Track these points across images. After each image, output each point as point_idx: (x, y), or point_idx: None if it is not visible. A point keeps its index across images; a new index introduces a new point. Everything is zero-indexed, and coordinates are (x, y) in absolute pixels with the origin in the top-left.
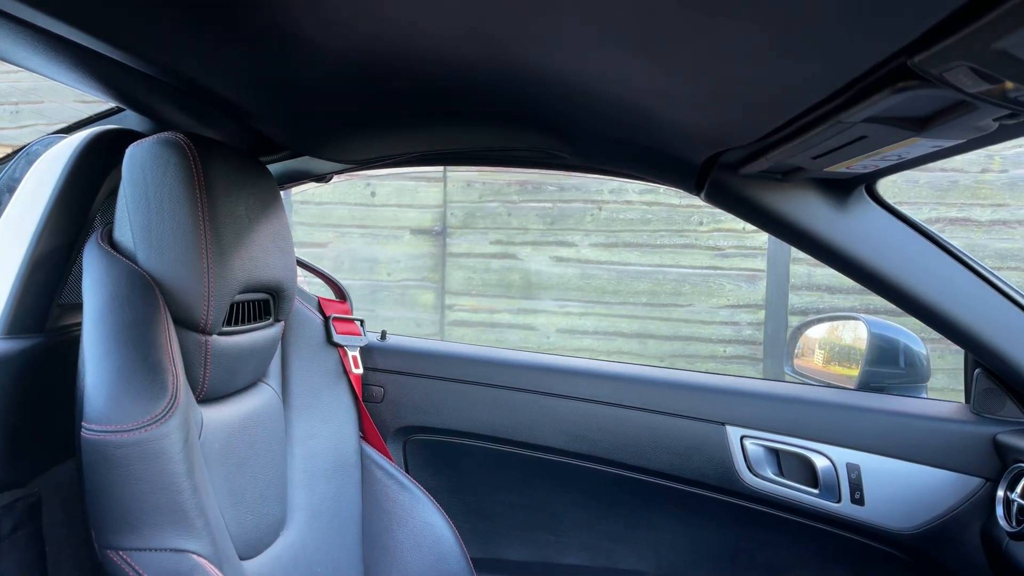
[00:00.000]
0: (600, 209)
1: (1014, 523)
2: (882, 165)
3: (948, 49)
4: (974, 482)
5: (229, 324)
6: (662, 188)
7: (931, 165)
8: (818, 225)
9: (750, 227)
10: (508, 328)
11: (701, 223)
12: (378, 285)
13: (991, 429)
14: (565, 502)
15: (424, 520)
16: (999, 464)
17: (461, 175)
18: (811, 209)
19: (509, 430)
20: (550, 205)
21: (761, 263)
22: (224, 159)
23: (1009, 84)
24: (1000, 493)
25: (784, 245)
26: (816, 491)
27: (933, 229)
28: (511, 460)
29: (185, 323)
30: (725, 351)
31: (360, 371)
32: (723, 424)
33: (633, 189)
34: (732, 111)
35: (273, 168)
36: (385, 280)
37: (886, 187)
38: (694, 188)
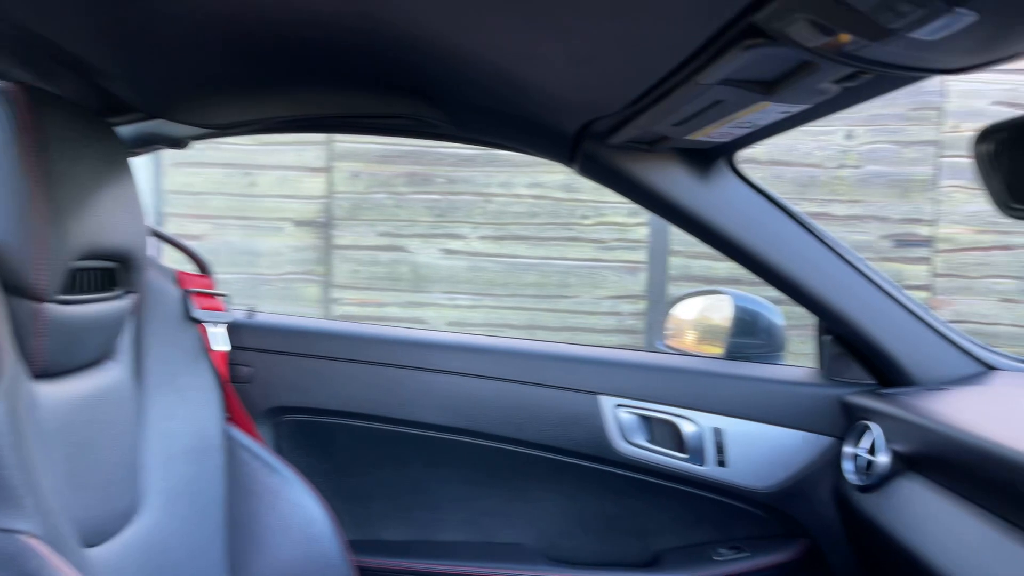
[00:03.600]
0: (489, 202)
1: (860, 477)
2: (738, 133)
3: (788, 2)
4: (825, 441)
5: (69, 293)
6: (547, 181)
7: (793, 160)
8: (683, 196)
9: (632, 220)
10: (397, 321)
11: (586, 217)
12: (259, 279)
13: (840, 391)
14: (442, 479)
15: (294, 502)
16: (847, 423)
17: (347, 166)
18: (676, 180)
19: (384, 407)
20: (439, 197)
21: (642, 255)
22: (64, 116)
23: (844, 37)
24: (847, 450)
25: (663, 237)
26: (684, 455)
27: (788, 202)
28: (387, 438)
29: (15, 289)
30: (609, 341)
31: (225, 349)
32: (596, 394)
33: (521, 183)
34: (598, 76)
35: (124, 131)
36: (267, 274)
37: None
38: (567, 159)
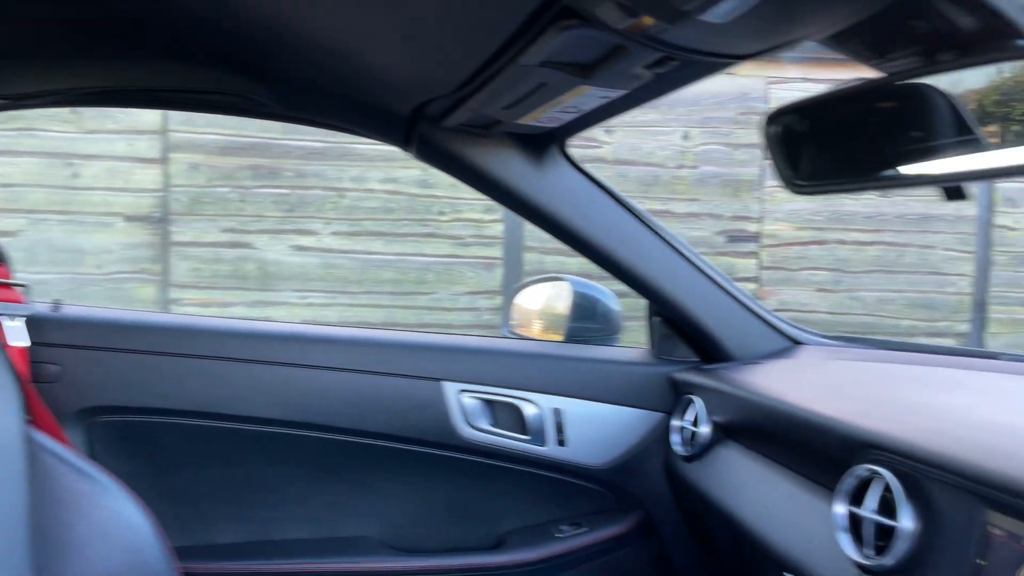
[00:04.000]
0: (342, 197)
1: (685, 448)
2: (566, 118)
3: None
4: (656, 416)
5: None
6: (401, 177)
7: (637, 160)
8: (516, 181)
9: (488, 217)
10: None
11: (442, 213)
12: (84, 279)
13: (668, 369)
14: (280, 475)
15: (111, 509)
16: (674, 398)
17: (185, 157)
18: (510, 165)
19: (213, 403)
20: (287, 191)
21: (498, 251)
22: None
23: (647, 19)
24: (674, 423)
25: (517, 234)
26: (526, 437)
27: (618, 190)
28: (217, 436)
29: None
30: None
31: (24, 344)
32: (440, 380)
33: (375, 178)
34: (427, 56)
35: None
36: (93, 273)
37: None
38: (403, 142)
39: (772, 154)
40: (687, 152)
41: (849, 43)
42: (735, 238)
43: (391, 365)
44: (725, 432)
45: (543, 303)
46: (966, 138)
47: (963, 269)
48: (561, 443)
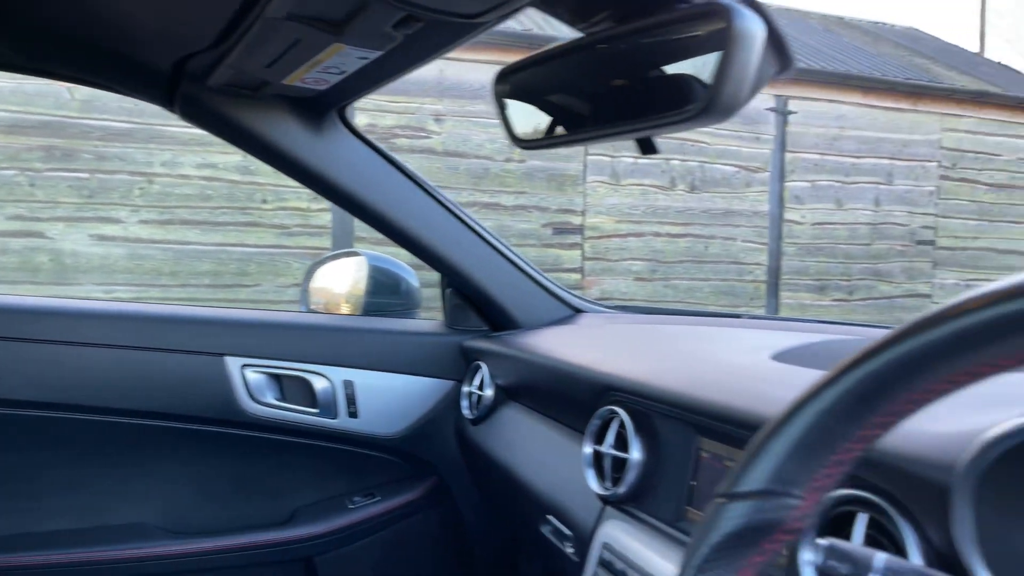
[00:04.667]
0: (151, 182)
1: (472, 412)
2: (332, 80)
3: None
4: (448, 384)
5: None
6: (220, 162)
7: (468, 152)
8: (292, 146)
9: (315, 206)
10: None
11: (265, 201)
12: None
13: (460, 338)
14: (43, 463)
15: None
16: (465, 366)
17: None
18: (284, 129)
19: None
20: (87, 176)
21: (326, 241)
22: None
23: None
24: (464, 389)
25: (347, 224)
26: (316, 410)
27: (406, 163)
28: None
29: None
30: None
31: None
32: (222, 355)
33: (189, 163)
34: (178, 7)
35: None
36: None
37: (432, 173)
38: (167, 101)
39: (500, 111)
40: (516, 148)
41: (556, 5)
42: (560, 230)
43: (167, 340)
44: (507, 394)
45: (339, 279)
46: (652, 94)
47: (759, 259)
48: (353, 415)
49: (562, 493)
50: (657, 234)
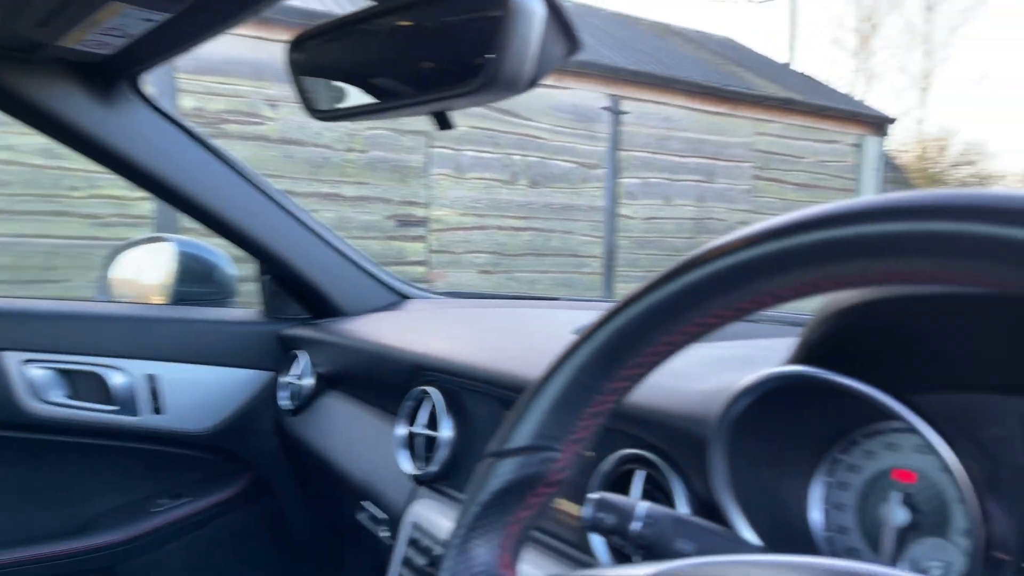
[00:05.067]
0: None
1: (291, 403)
2: (117, 43)
3: None
4: (265, 375)
5: None
6: (20, 144)
7: (306, 140)
8: (78, 118)
9: (134, 194)
10: None
11: (75, 188)
12: None
13: (278, 327)
14: None
15: None
16: (283, 356)
17: None
18: (68, 99)
19: None
20: None
21: (147, 233)
22: None
23: None
24: (282, 380)
25: (172, 214)
26: (114, 408)
27: (216, 143)
28: None
29: None
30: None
31: None
32: None
33: None
34: None
35: None
36: None
37: (266, 162)
38: None
39: (296, 81)
40: (356, 135)
41: None
42: (404, 223)
43: None
44: (327, 382)
45: (144, 267)
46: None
47: (595, 252)
48: (157, 411)
49: (377, 477)
50: (500, 227)
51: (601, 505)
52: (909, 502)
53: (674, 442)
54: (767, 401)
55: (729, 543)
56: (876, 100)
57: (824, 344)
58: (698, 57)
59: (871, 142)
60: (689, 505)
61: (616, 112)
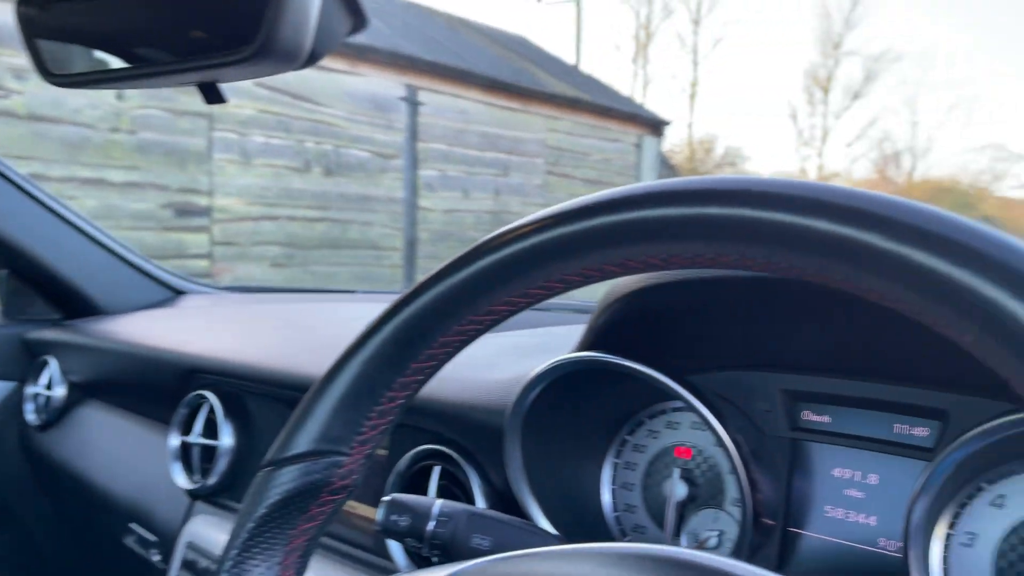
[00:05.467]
0: None
1: (39, 417)
2: None
3: None
4: (6, 387)
5: None
6: None
7: (62, 117)
8: None
9: None
10: None
11: None
12: None
13: (21, 330)
14: None
15: None
16: (29, 362)
17: None
18: None
19: None
20: None
21: None
22: None
23: None
24: (28, 390)
25: None
26: None
27: None
28: None
29: None
30: None
31: None
32: None
33: None
34: None
35: None
36: None
37: (13, 142)
38: None
39: (25, 40)
40: (123, 115)
41: None
42: (184, 212)
43: None
44: (83, 391)
45: None
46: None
47: (395, 244)
48: None
49: (146, 495)
50: (293, 218)
51: (394, 507)
52: (687, 477)
53: (469, 435)
54: (560, 389)
55: (525, 535)
56: (652, 104)
57: (609, 329)
58: (492, 52)
59: (649, 142)
60: (486, 499)
61: (413, 103)
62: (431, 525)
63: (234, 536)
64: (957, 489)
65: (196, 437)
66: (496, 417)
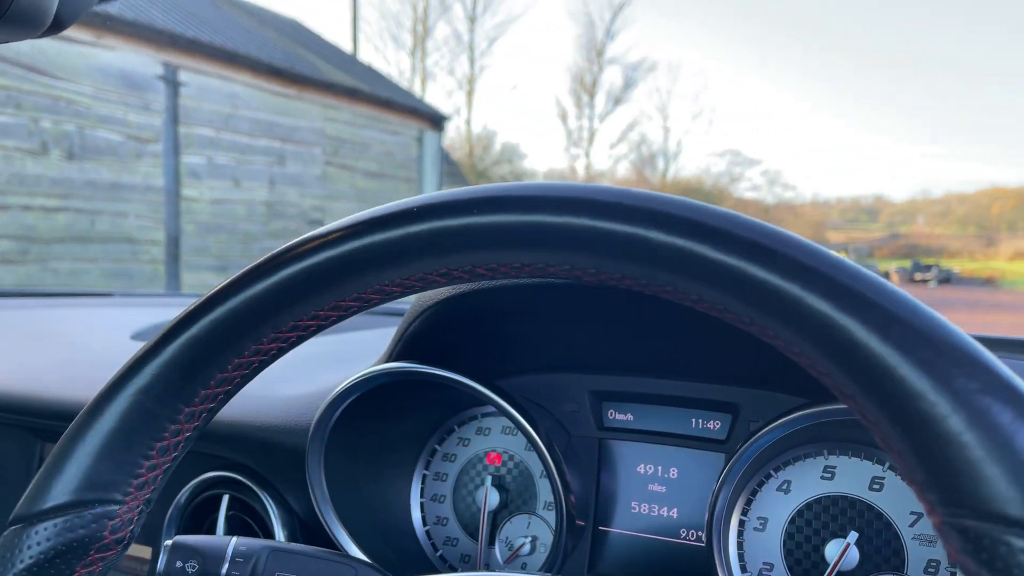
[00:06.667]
0: None
1: None
2: None
3: None
4: None
5: None
6: None
7: None
8: None
9: None
10: None
11: None
12: None
13: None
14: None
15: None
16: None
17: None
18: None
19: None
20: None
21: None
22: None
23: None
24: None
25: None
26: None
27: None
28: None
29: None
30: None
31: None
32: None
33: None
34: None
35: None
36: None
37: None
38: None
39: None
40: None
41: None
42: None
43: None
44: None
45: None
46: None
47: (156, 237)
48: None
49: None
50: (28, 207)
51: (179, 551)
52: (499, 484)
53: (264, 458)
54: (365, 401)
55: (337, 567)
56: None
57: (417, 338)
58: (263, 34)
59: (430, 137)
60: (286, 529)
61: (173, 83)
62: (224, 568)
63: None
64: (749, 478)
65: None
66: (295, 437)
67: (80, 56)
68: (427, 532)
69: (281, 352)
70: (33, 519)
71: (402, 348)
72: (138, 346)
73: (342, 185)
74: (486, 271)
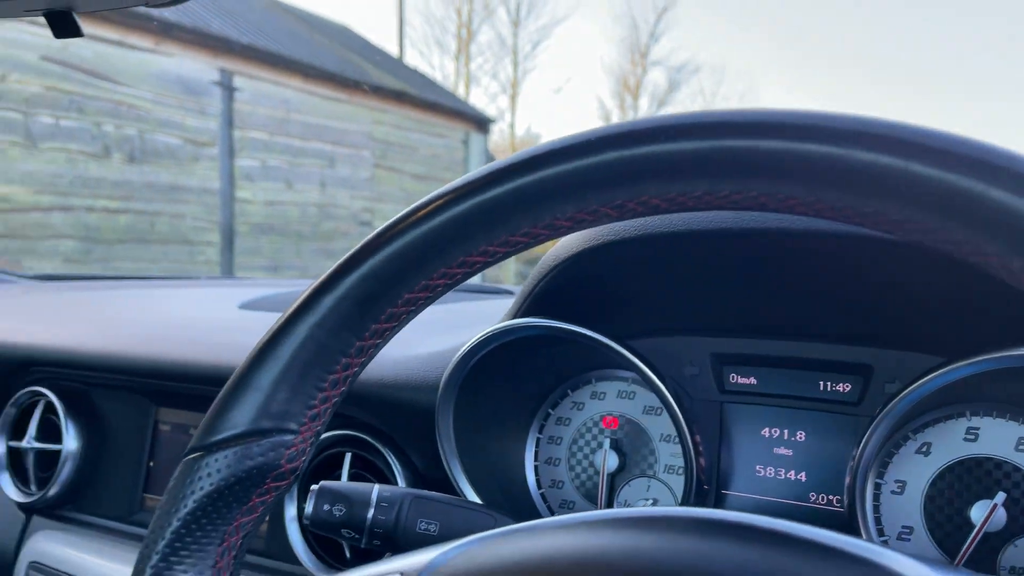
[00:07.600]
0: None
1: None
2: None
3: None
4: None
5: None
6: None
7: None
8: None
9: None
10: None
11: None
12: None
13: None
14: None
15: None
16: None
17: None
18: None
19: None
20: None
21: None
22: None
23: None
24: None
25: None
26: None
27: None
28: None
29: None
30: None
31: None
32: None
33: None
34: None
35: None
36: None
37: None
38: None
39: None
40: None
41: None
42: None
43: None
44: None
45: None
46: None
47: (211, 238)
48: None
49: None
50: (91, 209)
51: (325, 495)
52: (615, 447)
53: (391, 416)
54: (488, 361)
55: (474, 516)
56: (475, 102)
57: (546, 296)
58: (314, 40)
59: (476, 139)
60: (408, 483)
61: (228, 88)
62: (371, 513)
63: (152, 539)
64: (886, 440)
65: (31, 442)
66: (423, 395)
67: (140, 62)
68: (542, 495)
69: (446, 288)
70: (212, 447)
71: (530, 305)
72: (247, 316)
73: (390, 187)
74: (662, 202)
